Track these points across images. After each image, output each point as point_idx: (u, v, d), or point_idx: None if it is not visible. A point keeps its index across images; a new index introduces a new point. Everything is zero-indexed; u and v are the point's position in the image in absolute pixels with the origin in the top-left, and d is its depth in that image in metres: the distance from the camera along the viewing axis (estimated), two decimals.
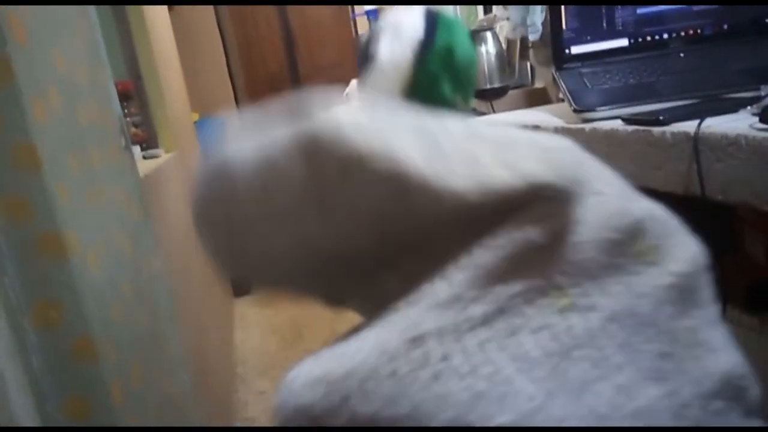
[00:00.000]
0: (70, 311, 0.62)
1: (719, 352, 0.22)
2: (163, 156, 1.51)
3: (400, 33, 0.27)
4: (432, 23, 0.27)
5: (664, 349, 0.22)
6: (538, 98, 1.50)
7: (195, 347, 1.40)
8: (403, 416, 0.19)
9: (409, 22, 0.27)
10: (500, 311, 0.21)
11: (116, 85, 1.01)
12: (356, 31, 3.31)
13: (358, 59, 0.28)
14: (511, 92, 1.38)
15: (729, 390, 0.21)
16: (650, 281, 0.23)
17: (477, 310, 0.21)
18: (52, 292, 0.61)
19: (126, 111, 1.47)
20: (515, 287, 0.21)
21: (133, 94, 1.52)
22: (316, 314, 3.07)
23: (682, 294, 0.24)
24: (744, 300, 0.79)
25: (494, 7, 1.75)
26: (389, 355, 0.20)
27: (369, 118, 0.22)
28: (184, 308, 1.30)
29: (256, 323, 3.10)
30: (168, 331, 0.98)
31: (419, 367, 0.20)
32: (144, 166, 1.22)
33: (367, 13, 2.82)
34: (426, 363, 0.20)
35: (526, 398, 0.19)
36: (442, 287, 0.22)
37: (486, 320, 0.21)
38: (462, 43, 0.30)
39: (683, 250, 0.25)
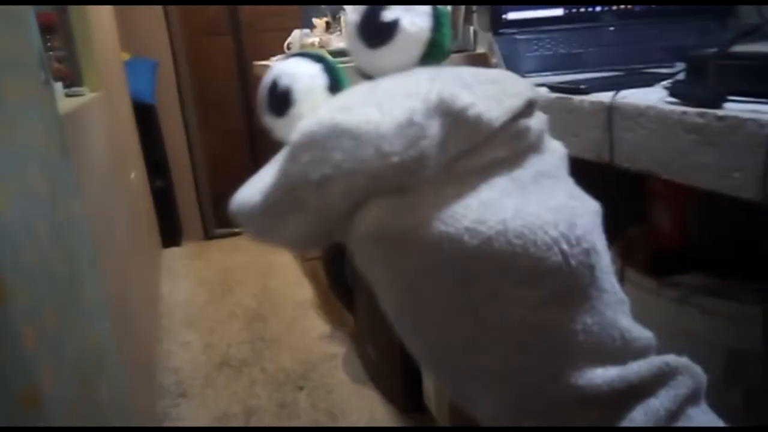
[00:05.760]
0: None
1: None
2: (88, 95, 1.44)
3: (413, 7, 0.32)
4: None
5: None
6: (478, 63, 1.51)
7: (117, 295, 1.37)
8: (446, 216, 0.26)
9: None
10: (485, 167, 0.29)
11: (38, 16, 0.95)
12: None
13: (364, 33, 0.33)
14: (452, 56, 1.39)
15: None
16: (554, 152, 0.33)
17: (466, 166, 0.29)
18: None
19: (49, 45, 1.38)
20: (499, 154, 0.29)
21: (58, 27, 1.43)
22: (246, 268, 3.05)
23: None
24: (647, 265, 0.85)
25: None
26: None
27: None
28: (105, 254, 1.26)
29: (184, 275, 3.04)
30: (86, 275, 0.95)
31: (446, 185, 0.28)
32: (66, 104, 1.16)
33: None
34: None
35: (514, 204, 0.27)
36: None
37: (471, 172, 0.28)
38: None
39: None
